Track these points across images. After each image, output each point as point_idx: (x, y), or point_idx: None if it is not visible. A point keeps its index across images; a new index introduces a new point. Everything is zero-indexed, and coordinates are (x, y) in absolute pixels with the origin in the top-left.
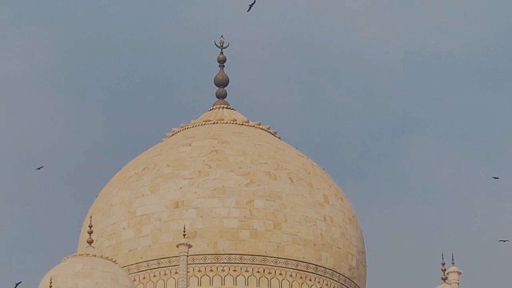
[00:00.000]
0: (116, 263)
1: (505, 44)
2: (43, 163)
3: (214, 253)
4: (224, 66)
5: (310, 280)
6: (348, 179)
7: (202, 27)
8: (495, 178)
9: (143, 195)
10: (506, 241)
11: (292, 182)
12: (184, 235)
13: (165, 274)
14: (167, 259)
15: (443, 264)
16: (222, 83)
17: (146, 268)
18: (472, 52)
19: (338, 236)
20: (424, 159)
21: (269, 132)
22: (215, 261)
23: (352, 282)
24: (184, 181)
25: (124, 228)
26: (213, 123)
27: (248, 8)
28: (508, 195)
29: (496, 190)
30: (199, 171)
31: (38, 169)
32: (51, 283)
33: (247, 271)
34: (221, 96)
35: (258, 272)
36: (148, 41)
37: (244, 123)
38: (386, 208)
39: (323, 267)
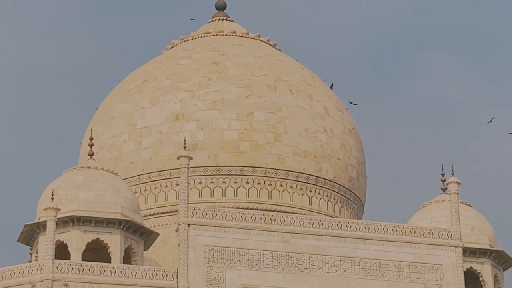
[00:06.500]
0: (117, 175)
1: None
2: (46, 77)
3: (214, 165)
4: None
5: (311, 191)
6: (349, 91)
7: None
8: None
9: (143, 107)
10: None
11: (292, 94)
12: (185, 147)
13: (166, 186)
14: (168, 171)
15: (443, 175)
16: None
17: (147, 180)
18: None
19: (338, 147)
20: (429, 74)
21: (269, 44)
22: (216, 173)
23: (352, 193)
24: (184, 94)
25: (125, 141)
26: (213, 35)
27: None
28: None
29: (499, 105)
30: (199, 84)
31: None
32: (53, 195)
33: (247, 182)
34: (221, 8)
35: (259, 183)
36: None
37: (244, 35)
38: (387, 119)
39: (323, 179)
